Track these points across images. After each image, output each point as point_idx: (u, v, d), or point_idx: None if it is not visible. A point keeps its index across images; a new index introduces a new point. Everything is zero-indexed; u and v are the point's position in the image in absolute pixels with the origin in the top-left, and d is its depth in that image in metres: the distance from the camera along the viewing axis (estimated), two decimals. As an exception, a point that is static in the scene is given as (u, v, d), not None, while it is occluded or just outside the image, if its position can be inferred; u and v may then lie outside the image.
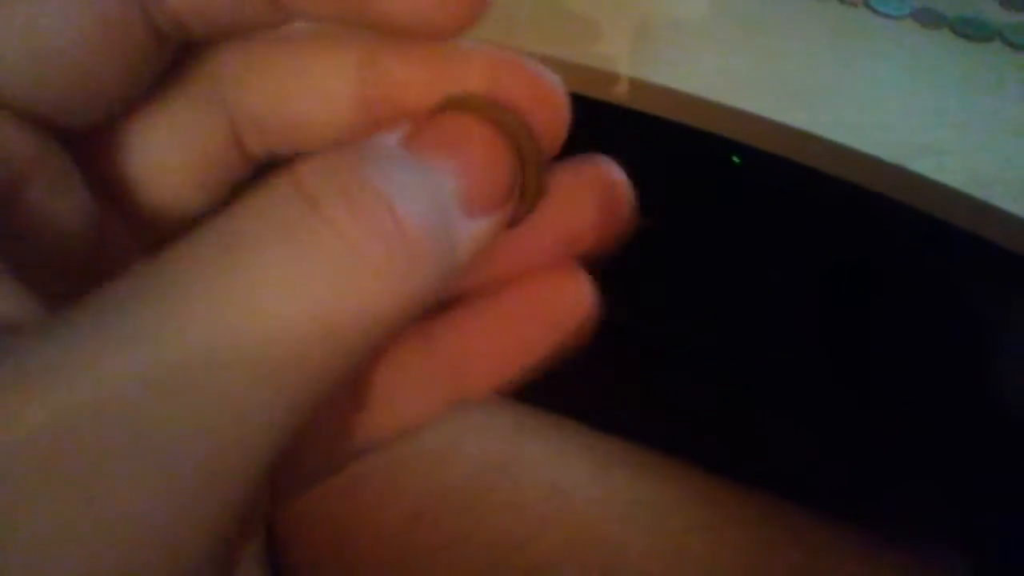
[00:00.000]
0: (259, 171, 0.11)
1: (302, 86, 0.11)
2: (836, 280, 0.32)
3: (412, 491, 0.27)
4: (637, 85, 0.29)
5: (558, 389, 0.33)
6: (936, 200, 0.25)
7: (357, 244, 0.08)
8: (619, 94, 0.30)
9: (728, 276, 0.33)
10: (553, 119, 0.10)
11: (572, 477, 0.29)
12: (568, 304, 0.11)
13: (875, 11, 0.32)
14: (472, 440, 0.29)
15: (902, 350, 0.32)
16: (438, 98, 0.10)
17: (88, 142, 0.10)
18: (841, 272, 0.31)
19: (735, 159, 0.30)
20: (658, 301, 0.33)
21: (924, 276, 0.31)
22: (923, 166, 0.26)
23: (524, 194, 0.10)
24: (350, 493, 0.27)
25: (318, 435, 0.11)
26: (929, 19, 0.32)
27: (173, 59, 0.10)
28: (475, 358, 0.11)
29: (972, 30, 0.32)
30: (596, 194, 0.11)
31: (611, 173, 0.11)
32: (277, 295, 0.07)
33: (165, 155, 0.11)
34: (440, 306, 0.11)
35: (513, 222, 0.10)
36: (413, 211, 0.08)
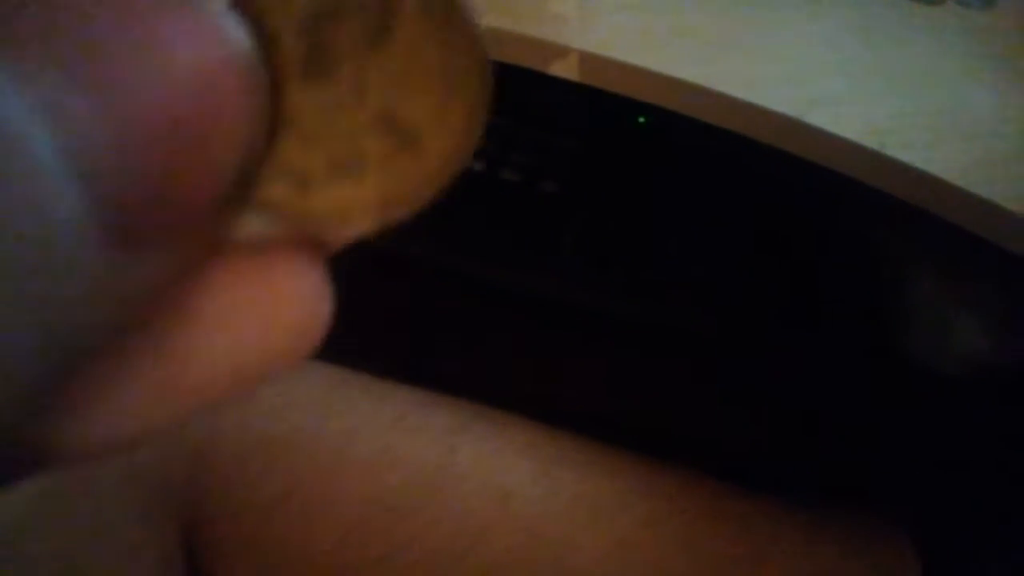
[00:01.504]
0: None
1: None
2: (751, 238, 0.31)
3: (343, 505, 0.26)
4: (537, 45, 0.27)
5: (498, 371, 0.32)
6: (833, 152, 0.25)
7: None
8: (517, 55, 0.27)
9: (642, 238, 0.32)
10: None
11: (514, 477, 0.28)
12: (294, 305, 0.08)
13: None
14: (406, 446, 0.27)
15: (822, 308, 0.32)
16: None
17: None
18: (754, 231, 0.31)
19: (641, 119, 0.29)
20: (573, 270, 0.32)
21: (838, 233, 0.31)
22: (819, 118, 0.25)
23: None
24: (276, 515, 0.25)
25: None
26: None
27: None
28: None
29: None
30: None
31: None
32: None
33: None
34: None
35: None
36: None
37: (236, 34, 0.07)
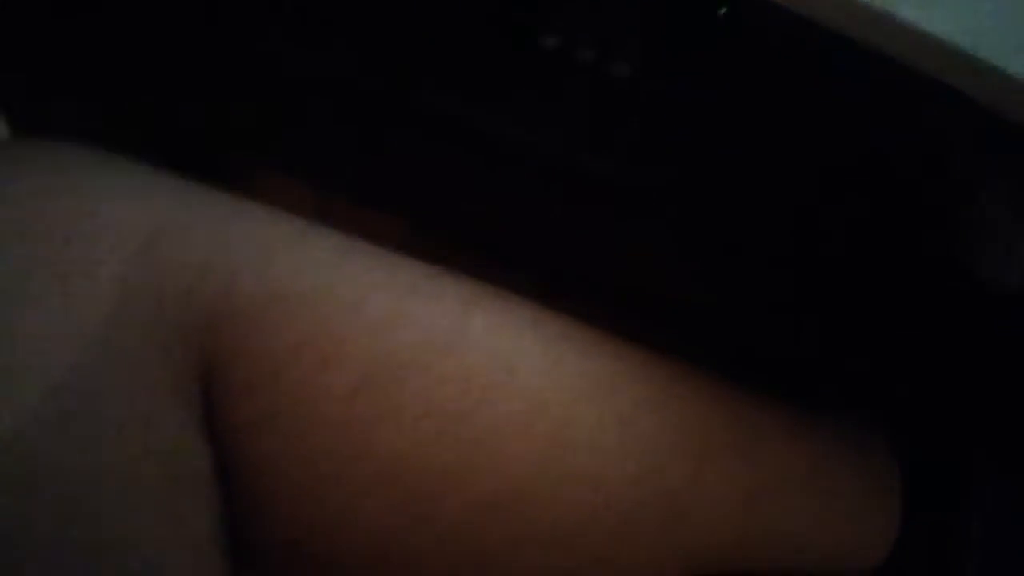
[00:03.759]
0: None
1: None
2: (824, 145, 0.30)
3: (355, 359, 0.26)
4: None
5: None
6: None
7: None
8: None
9: (704, 134, 0.31)
10: None
11: (521, 348, 0.28)
12: None
13: None
14: (420, 310, 0.27)
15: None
16: None
17: None
18: (829, 137, 0.30)
19: (721, 8, 0.27)
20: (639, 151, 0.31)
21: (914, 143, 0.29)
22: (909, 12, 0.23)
23: None
24: (291, 362, 0.26)
25: None
26: None
27: None
28: None
29: None
30: None
31: None
32: None
33: None
34: None
35: None
36: None
37: None
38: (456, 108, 0.31)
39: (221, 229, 0.26)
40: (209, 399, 0.26)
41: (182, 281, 0.25)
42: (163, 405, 0.24)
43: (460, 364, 0.27)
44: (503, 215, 0.34)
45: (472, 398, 0.26)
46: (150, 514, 0.23)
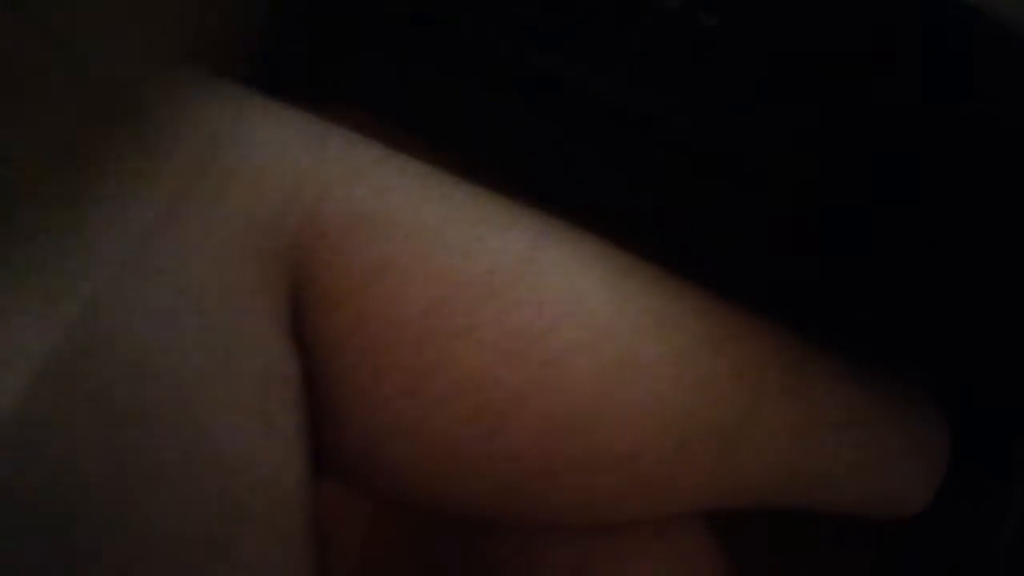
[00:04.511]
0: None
1: None
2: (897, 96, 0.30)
3: (434, 280, 0.27)
4: None
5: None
6: None
7: None
8: None
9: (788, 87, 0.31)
10: None
11: (589, 280, 0.29)
12: None
13: None
14: (495, 237, 0.29)
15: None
16: None
17: None
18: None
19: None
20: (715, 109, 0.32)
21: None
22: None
23: None
24: (373, 280, 0.27)
25: None
26: None
27: None
28: None
29: None
30: None
31: None
32: None
33: None
34: None
35: None
36: None
37: None
38: (541, 60, 0.32)
39: (312, 149, 0.28)
40: (297, 314, 0.27)
41: (274, 204, 0.27)
42: (260, 320, 0.26)
43: (532, 289, 0.28)
44: (568, 159, 0.34)
45: (544, 322, 0.28)
46: (246, 410, 0.25)
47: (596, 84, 0.31)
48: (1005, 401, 0.38)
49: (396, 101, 0.35)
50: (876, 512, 0.37)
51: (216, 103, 0.27)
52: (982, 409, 0.38)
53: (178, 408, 0.23)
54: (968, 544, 0.37)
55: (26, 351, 0.22)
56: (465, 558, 0.34)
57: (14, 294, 0.22)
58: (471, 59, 0.34)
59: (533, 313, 0.28)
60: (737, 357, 0.31)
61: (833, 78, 0.29)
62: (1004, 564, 0.37)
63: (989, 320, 0.33)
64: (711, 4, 0.30)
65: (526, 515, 0.31)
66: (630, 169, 0.33)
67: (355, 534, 0.38)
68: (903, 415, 0.35)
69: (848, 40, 0.29)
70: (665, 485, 0.30)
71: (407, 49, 0.34)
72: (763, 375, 0.31)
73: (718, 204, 0.33)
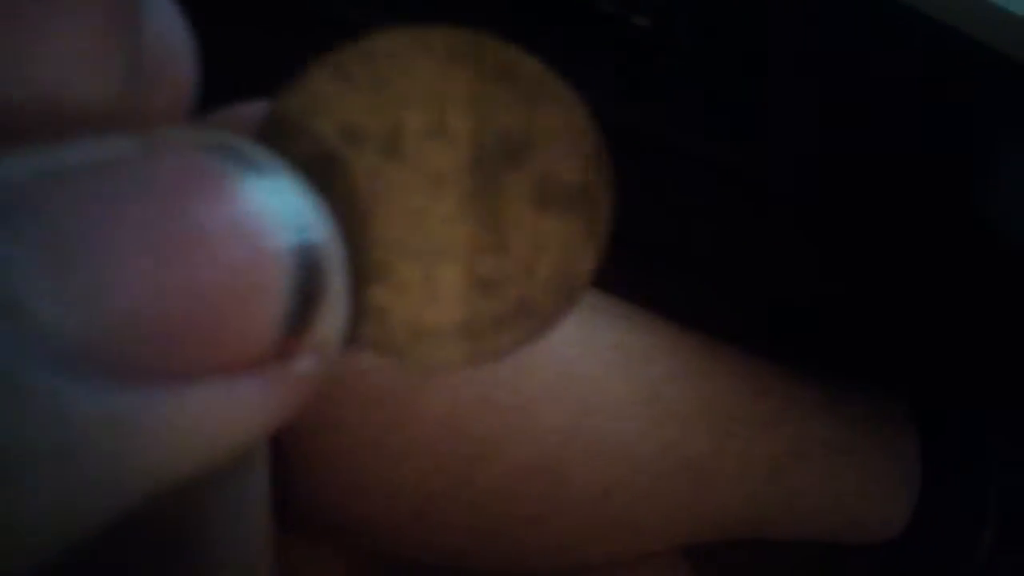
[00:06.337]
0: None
1: None
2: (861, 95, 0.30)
3: None
4: None
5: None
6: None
7: None
8: None
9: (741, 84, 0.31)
10: None
11: None
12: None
13: None
14: None
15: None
16: None
17: None
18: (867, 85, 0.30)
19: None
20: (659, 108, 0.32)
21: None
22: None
23: None
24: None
25: None
26: None
27: None
28: None
29: None
30: None
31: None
32: None
33: None
34: None
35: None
36: None
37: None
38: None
39: None
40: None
41: None
42: None
43: None
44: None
45: (509, 366, 0.27)
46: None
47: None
48: (977, 425, 0.38)
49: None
50: (857, 538, 0.37)
51: None
52: (954, 418, 0.38)
53: None
54: (942, 566, 0.37)
55: None
56: None
57: None
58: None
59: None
60: (708, 389, 0.31)
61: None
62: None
63: (966, 341, 0.34)
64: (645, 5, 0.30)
65: (503, 561, 0.30)
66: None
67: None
68: (883, 439, 0.35)
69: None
70: (641, 522, 0.30)
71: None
72: (733, 408, 0.31)
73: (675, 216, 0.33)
